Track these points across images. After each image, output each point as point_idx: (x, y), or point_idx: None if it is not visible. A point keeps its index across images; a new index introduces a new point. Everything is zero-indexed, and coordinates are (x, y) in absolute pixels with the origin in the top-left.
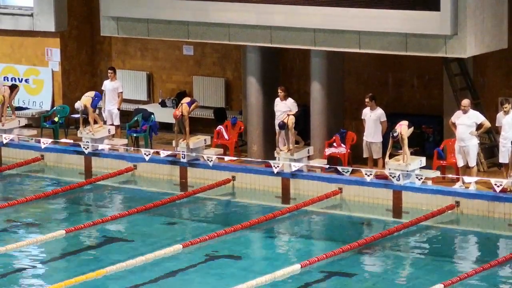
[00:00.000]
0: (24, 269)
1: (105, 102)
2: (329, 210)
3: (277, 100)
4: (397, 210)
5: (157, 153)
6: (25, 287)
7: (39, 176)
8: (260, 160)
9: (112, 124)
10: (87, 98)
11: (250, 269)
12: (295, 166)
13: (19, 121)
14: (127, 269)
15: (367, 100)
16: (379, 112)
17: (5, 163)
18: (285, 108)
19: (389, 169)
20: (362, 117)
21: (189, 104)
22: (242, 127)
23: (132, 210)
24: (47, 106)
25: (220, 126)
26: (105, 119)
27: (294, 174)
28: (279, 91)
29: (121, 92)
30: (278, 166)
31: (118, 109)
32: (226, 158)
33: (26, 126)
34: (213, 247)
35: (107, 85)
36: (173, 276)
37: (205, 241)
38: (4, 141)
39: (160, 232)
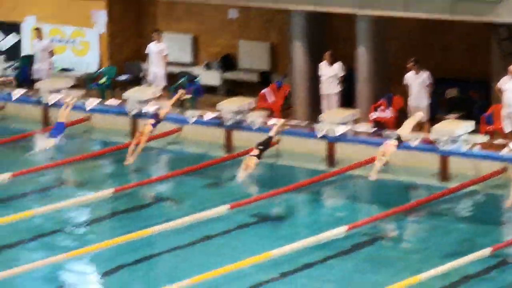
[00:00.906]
0: (73, 227)
1: (150, 64)
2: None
3: (323, 64)
4: (443, 175)
5: (202, 115)
6: (74, 244)
7: (86, 136)
8: (305, 123)
9: (158, 86)
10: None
11: (295, 231)
12: (339, 130)
13: (66, 82)
14: (173, 230)
15: (410, 64)
16: (424, 75)
17: (53, 124)
18: (331, 73)
19: (435, 134)
20: (405, 82)
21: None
22: (288, 90)
23: (178, 171)
24: (93, 68)
25: (265, 89)
26: (150, 82)
27: (339, 138)
28: (325, 55)
29: (166, 55)
30: (323, 130)
31: (163, 71)
32: (271, 121)
33: (73, 87)
34: (259, 209)
35: (152, 47)
36: (220, 236)
37: (251, 203)
38: (51, 102)
39: (206, 193)
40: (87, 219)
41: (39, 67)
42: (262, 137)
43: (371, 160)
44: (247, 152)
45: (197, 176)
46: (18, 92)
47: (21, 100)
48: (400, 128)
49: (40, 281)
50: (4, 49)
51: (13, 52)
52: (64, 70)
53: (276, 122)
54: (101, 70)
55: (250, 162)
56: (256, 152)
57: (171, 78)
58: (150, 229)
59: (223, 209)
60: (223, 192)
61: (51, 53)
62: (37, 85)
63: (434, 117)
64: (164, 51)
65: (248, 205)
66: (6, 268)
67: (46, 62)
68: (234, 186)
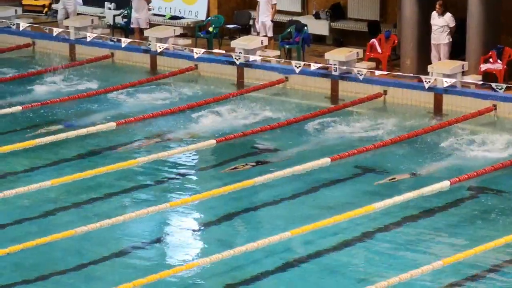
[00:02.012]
0: (175, 177)
1: (258, 13)
2: (482, 127)
3: (434, 14)
4: None
5: (308, 65)
6: (178, 193)
7: (192, 85)
8: (412, 74)
9: (265, 36)
10: None
11: (397, 184)
12: (448, 82)
13: (174, 30)
14: (275, 180)
15: None
16: None
17: (160, 72)
18: (442, 23)
19: None
20: None
21: None
22: (396, 41)
23: (282, 123)
24: (202, 16)
25: (373, 40)
26: (258, 31)
27: (447, 90)
28: (437, 5)
29: (275, 4)
30: (430, 81)
31: (272, 20)
32: (378, 72)
33: (181, 36)
34: (361, 162)
35: None
36: (322, 187)
37: (353, 155)
38: (159, 50)
39: (308, 144)
40: (189, 169)
41: (137, 16)
42: (369, 88)
43: (479, 113)
44: (352, 104)
45: (301, 128)
46: (126, 40)
47: (129, 48)
48: None
49: (145, 228)
50: None
51: (123, 0)
52: (173, 18)
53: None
54: (209, 18)
55: None
56: None
57: (280, 27)
58: (253, 180)
59: (324, 161)
60: (325, 144)
61: (148, 1)
62: (146, 33)
63: None
64: (272, 0)
65: (349, 157)
66: (113, 215)
67: (144, 11)
68: (337, 138)
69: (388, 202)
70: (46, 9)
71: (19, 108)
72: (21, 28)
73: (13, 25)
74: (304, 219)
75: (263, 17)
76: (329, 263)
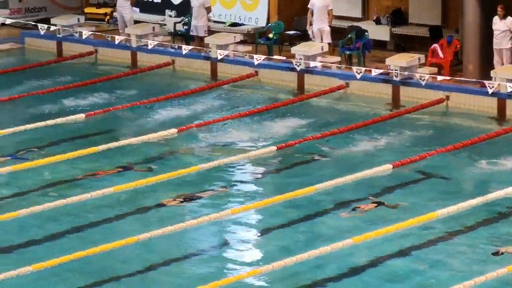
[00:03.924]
0: (236, 184)
1: (311, 20)
2: None
3: (496, 18)
4: None
5: (369, 71)
6: (239, 200)
7: (252, 91)
8: (475, 80)
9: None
10: None
11: (460, 190)
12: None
13: (234, 37)
14: (337, 186)
15: None
16: None
17: (220, 79)
18: (504, 27)
19: None
20: None
21: None
22: (458, 46)
23: (344, 128)
24: (262, 23)
25: (435, 45)
26: (312, 37)
27: (511, 95)
28: (498, 9)
29: (331, 10)
30: (493, 87)
31: (329, 26)
32: (440, 77)
33: (241, 42)
34: (423, 167)
35: (316, 3)
36: (384, 194)
37: (415, 162)
38: (219, 57)
39: (370, 151)
40: (250, 176)
41: (196, 24)
42: (430, 94)
43: None
44: (414, 110)
45: (362, 134)
46: (187, 47)
47: (190, 55)
48: None
49: (206, 235)
50: (176, 3)
51: (184, 7)
52: (233, 24)
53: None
54: (269, 25)
55: None
56: None
57: (340, 33)
58: (314, 187)
59: (386, 167)
60: (386, 150)
61: (208, 9)
62: (206, 40)
63: None
64: (329, 6)
65: (412, 163)
66: (175, 222)
67: (203, 19)
68: (399, 144)
69: (452, 209)
70: (108, 17)
71: (82, 115)
72: (83, 36)
73: (76, 33)
74: (366, 226)
75: (320, 24)
76: (391, 271)
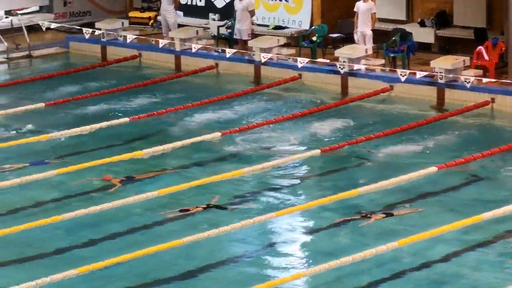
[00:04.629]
0: (281, 186)
1: (357, 23)
2: None
3: None
4: None
5: (414, 73)
6: (283, 203)
7: (296, 95)
8: None
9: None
10: None
11: (506, 193)
12: None
13: (278, 40)
14: (381, 189)
15: None
16: None
17: (264, 82)
18: None
19: None
20: None
21: None
22: (504, 48)
23: (388, 131)
24: (305, 26)
25: (480, 47)
26: (357, 42)
27: None
28: None
29: (375, 13)
30: None
31: (372, 30)
32: (485, 79)
33: (285, 45)
34: (468, 170)
35: (360, 6)
36: (429, 197)
37: (461, 164)
38: (263, 60)
39: (413, 153)
40: (294, 179)
41: (239, 27)
42: (475, 97)
43: None
44: (459, 112)
45: (406, 136)
46: (230, 51)
47: (233, 58)
48: None
49: (251, 238)
50: (219, 6)
51: (227, 11)
52: (277, 28)
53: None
54: (313, 28)
55: None
56: None
57: (385, 35)
58: (357, 189)
59: (431, 170)
60: (431, 153)
61: (252, 13)
62: (250, 43)
63: None
64: (372, 9)
65: (457, 166)
66: (220, 225)
67: (247, 22)
68: (444, 146)
69: (497, 212)
70: (151, 21)
71: (126, 119)
72: (128, 40)
73: (120, 37)
74: (410, 229)
75: (363, 27)
76: (437, 273)
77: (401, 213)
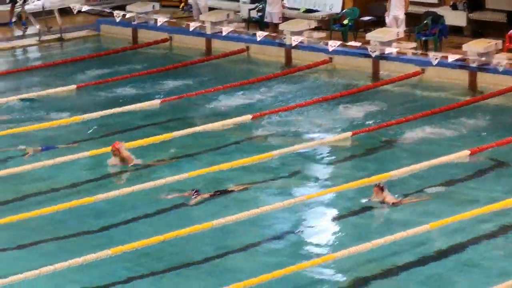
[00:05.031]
0: (311, 169)
1: (389, 7)
2: None
3: None
4: None
5: (446, 57)
6: (314, 186)
7: (327, 78)
8: None
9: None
10: None
11: None
12: None
13: (308, 23)
14: (412, 173)
15: None
16: None
17: (294, 65)
18: None
19: None
20: None
21: None
22: None
23: (418, 115)
24: (337, 9)
25: None
26: (389, 25)
27: None
28: None
29: None
30: None
31: (403, 14)
32: None
33: (316, 29)
34: (501, 154)
35: None
36: (461, 181)
37: (493, 148)
38: (294, 43)
39: (444, 137)
40: (325, 162)
41: (270, 10)
42: (507, 80)
43: None
44: (491, 96)
45: (437, 120)
46: (261, 34)
47: (264, 42)
48: None
49: (281, 221)
50: None
51: None
52: (308, 11)
53: None
54: (344, 11)
55: None
56: None
57: (417, 19)
58: (388, 173)
59: (462, 154)
60: (462, 137)
61: None
62: (281, 26)
63: None
64: None
65: (490, 150)
66: (249, 208)
67: (278, 5)
68: (476, 130)
69: None
70: (182, 4)
71: (157, 102)
72: (158, 24)
73: (151, 20)
74: (442, 212)
75: (395, 11)
76: (467, 257)
77: (423, 198)
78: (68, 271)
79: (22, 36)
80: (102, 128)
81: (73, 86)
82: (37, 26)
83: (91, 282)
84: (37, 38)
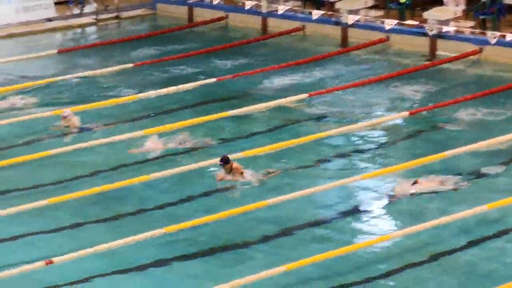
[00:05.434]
0: (369, 148)
1: None
2: None
3: None
4: None
5: (504, 36)
6: (369, 166)
7: (383, 57)
8: None
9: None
10: None
11: None
12: None
13: (365, 1)
14: (469, 153)
15: None
16: None
17: (351, 44)
18: None
19: None
20: None
21: None
22: None
23: (476, 94)
24: None
25: None
26: (446, 3)
27: None
28: None
29: None
30: None
31: None
32: None
33: (373, 7)
34: None
35: None
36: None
37: None
38: (350, 22)
39: (502, 116)
40: (381, 141)
41: None
42: None
43: None
44: None
45: (495, 100)
46: (317, 12)
47: (320, 20)
48: None
49: (336, 200)
50: None
51: None
52: None
53: None
54: None
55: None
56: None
57: None
58: (443, 153)
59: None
60: None
61: None
62: (337, 5)
63: None
64: None
65: None
66: (304, 187)
67: None
68: None
69: None
70: None
71: (213, 80)
72: (214, 2)
73: None
74: (499, 193)
75: None
76: None
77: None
78: (123, 250)
79: (80, 15)
80: (158, 106)
81: (130, 65)
82: (95, 5)
83: (145, 260)
84: (94, 16)
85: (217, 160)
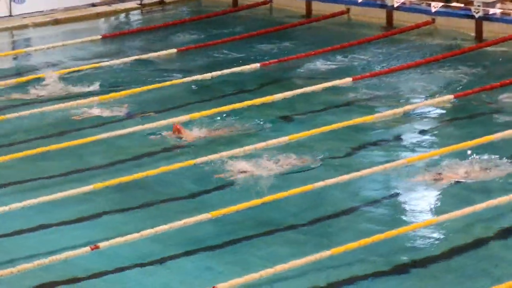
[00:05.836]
0: (413, 132)
1: None
2: None
3: None
4: None
5: None
6: (414, 150)
7: (429, 40)
8: None
9: None
10: None
11: None
12: None
13: None
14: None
15: None
16: None
17: (397, 27)
18: None
19: None
20: None
21: None
22: None
23: None
24: None
25: None
26: None
27: None
28: None
29: None
30: None
31: None
32: None
33: None
34: None
35: None
36: None
37: None
38: (396, 5)
39: None
40: (426, 125)
41: None
42: None
43: None
44: None
45: None
46: None
47: (365, 3)
48: None
49: (381, 184)
50: None
51: None
52: None
53: None
54: None
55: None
56: None
57: None
58: (491, 136)
59: None
60: None
61: None
62: None
63: None
64: None
65: None
66: (351, 171)
67: None
68: None
69: None
70: None
71: (257, 65)
72: None
73: None
74: None
75: None
76: None
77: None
78: (168, 235)
79: (123, 0)
80: (201, 91)
81: (174, 50)
82: None
83: (190, 245)
84: (139, 1)
85: (263, 145)
